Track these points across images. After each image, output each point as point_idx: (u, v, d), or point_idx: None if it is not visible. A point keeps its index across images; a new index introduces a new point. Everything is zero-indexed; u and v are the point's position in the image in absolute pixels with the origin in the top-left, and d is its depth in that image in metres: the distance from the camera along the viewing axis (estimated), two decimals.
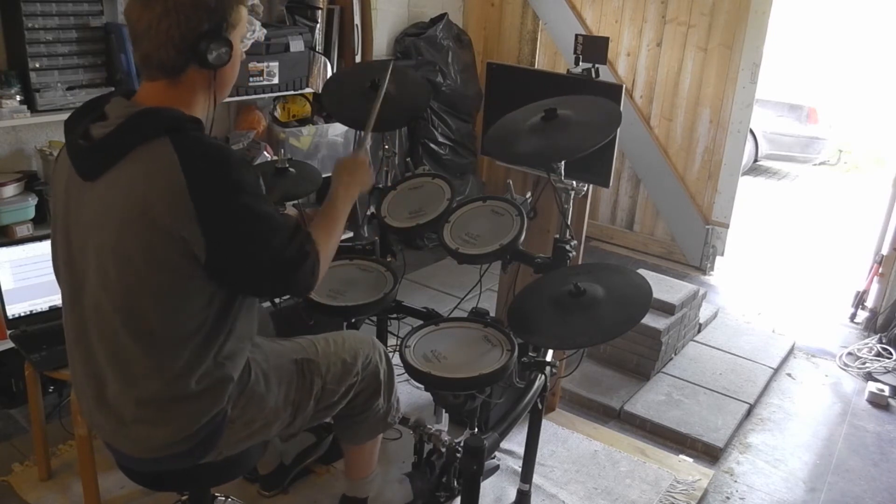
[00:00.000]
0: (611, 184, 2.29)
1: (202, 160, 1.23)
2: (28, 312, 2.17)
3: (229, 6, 1.30)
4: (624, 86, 2.39)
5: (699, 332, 3.48)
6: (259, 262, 1.30)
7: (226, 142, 3.15)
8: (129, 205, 1.21)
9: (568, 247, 1.96)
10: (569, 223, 1.96)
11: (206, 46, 1.27)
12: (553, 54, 4.61)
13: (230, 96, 2.94)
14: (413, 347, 1.73)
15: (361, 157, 1.74)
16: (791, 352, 3.44)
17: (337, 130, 3.48)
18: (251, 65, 3.00)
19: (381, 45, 4.14)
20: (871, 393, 3.08)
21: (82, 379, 1.38)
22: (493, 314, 1.95)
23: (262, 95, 3.19)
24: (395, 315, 2.30)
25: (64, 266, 1.35)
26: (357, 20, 3.48)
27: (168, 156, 1.21)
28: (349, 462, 1.96)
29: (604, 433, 2.67)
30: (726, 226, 4.22)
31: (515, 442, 2.41)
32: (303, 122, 3.45)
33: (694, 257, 4.35)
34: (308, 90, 3.33)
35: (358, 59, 3.53)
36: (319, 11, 3.33)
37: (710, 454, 2.63)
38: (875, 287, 3.73)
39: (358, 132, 2.28)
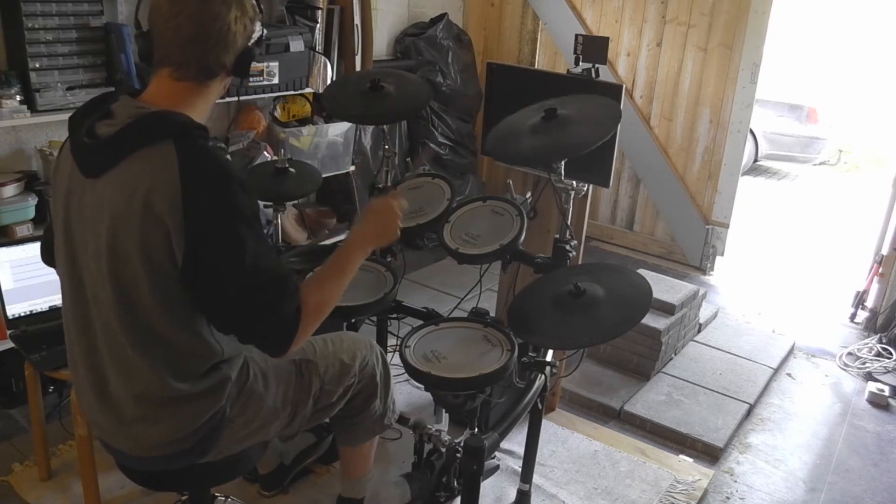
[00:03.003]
0: (611, 184, 2.29)
1: (202, 173, 1.23)
2: (28, 312, 2.17)
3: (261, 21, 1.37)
4: (624, 86, 2.39)
5: (699, 332, 3.48)
6: (227, 291, 1.24)
7: (226, 142, 3.15)
8: (130, 199, 1.21)
9: (568, 247, 1.96)
10: (569, 223, 1.96)
11: (250, 57, 1.34)
12: (553, 54, 4.61)
13: (230, 96, 2.94)
14: (413, 347, 1.73)
15: (393, 201, 1.57)
16: (791, 352, 3.44)
17: (337, 130, 3.48)
18: (251, 65, 3.00)
19: (381, 45, 4.14)
20: (871, 393, 3.08)
21: (84, 377, 1.38)
22: (493, 314, 1.95)
23: (262, 95, 3.18)
24: (395, 315, 2.30)
25: (66, 263, 1.35)
26: (357, 20, 3.48)
27: (169, 159, 1.21)
28: (345, 462, 1.96)
29: (604, 433, 2.67)
30: (726, 226, 4.22)
31: (515, 442, 2.41)
32: (303, 122, 3.44)
33: (694, 257, 4.35)
34: (308, 90, 3.33)
35: (358, 59, 3.53)
36: (319, 11, 3.33)
37: (710, 454, 2.63)
38: (875, 287, 3.73)
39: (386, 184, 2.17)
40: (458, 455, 1.67)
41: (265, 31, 1.39)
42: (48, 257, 1.51)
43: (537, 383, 1.84)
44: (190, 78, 1.30)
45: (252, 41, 1.34)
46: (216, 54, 1.28)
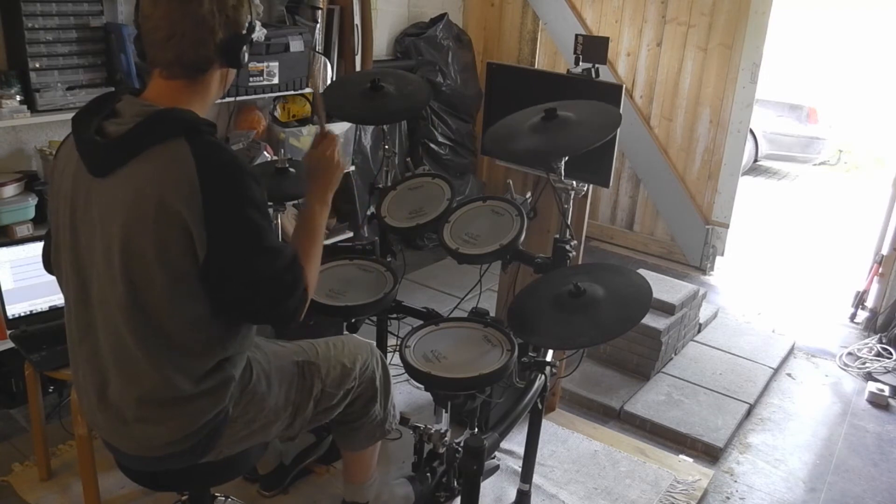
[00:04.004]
0: (611, 184, 2.29)
1: (218, 166, 1.24)
2: (28, 312, 2.17)
3: (253, 8, 1.33)
4: (624, 86, 2.39)
5: (699, 332, 3.48)
6: (257, 278, 1.28)
7: (226, 142, 3.15)
8: (145, 198, 1.21)
9: (568, 247, 1.96)
10: (569, 223, 1.96)
11: (240, 48, 1.31)
12: (553, 54, 4.61)
13: (230, 96, 2.94)
14: (413, 347, 1.73)
15: (324, 146, 1.54)
16: (791, 352, 3.44)
17: (337, 130, 3.47)
18: (251, 65, 3.00)
19: (381, 45, 4.14)
20: (871, 393, 3.08)
21: (85, 377, 1.38)
22: (493, 314, 1.95)
23: (262, 95, 3.18)
24: (395, 315, 2.30)
25: (70, 263, 1.35)
26: (357, 20, 3.48)
27: (185, 156, 1.22)
28: (348, 467, 1.96)
29: (604, 433, 2.67)
30: (726, 226, 4.23)
31: (515, 442, 2.41)
32: (303, 122, 3.45)
33: (694, 257, 4.35)
34: (308, 90, 3.33)
35: (358, 59, 3.53)
36: (319, 11, 3.32)
37: (710, 454, 2.63)
38: (875, 287, 3.73)
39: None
40: (458, 455, 1.67)
41: (258, 21, 1.36)
42: (49, 264, 1.50)
43: (537, 383, 1.84)
44: (178, 76, 1.30)
45: (242, 29, 1.31)
46: (195, 51, 1.27)
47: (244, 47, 1.33)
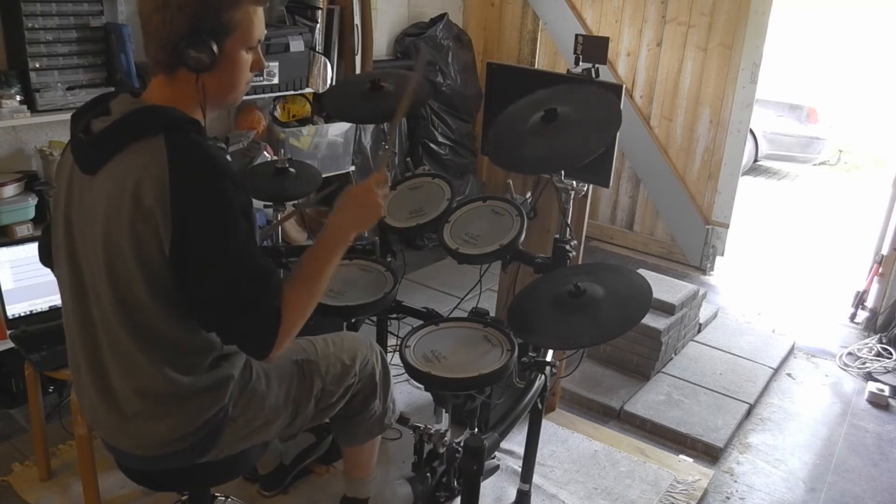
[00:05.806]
0: (611, 184, 2.29)
1: (190, 165, 1.22)
2: (28, 312, 2.17)
3: (220, 9, 1.25)
4: (624, 86, 2.39)
5: (699, 332, 3.48)
6: (208, 286, 1.23)
7: (226, 142, 3.15)
8: (121, 194, 1.21)
9: (568, 247, 1.96)
10: (569, 223, 1.96)
11: (184, 49, 1.24)
12: (553, 54, 4.61)
13: None
14: (413, 347, 1.73)
15: (376, 181, 1.47)
16: (791, 352, 3.44)
17: (337, 130, 3.48)
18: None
19: (381, 45, 4.14)
20: (871, 393, 3.08)
21: (85, 374, 1.38)
22: (493, 314, 1.95)
23: (262, 95, 3.19)
24: (395, 315, 2.30)
25: (66, 261, 1.35)
26: (357, 20, 3.48)
27: (160, 153, 1.21)
28: (348, 463, 1.96)
29: (604, 433, 2.67)
30: (726, 226, 4.22)
31: (515, 442, 2.41)
32: (303, 122, 3.45)
33: (694, 257, 4.35)
34: (308, 90, 3.33)
35: (358, 59, 3.53)
36: (319, 11, 3.33)
37: (710, 454, 2.63)
38: (875, 287, 3.73)
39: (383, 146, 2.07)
40: (458, 455, 1.67)
41: (218, 18, 1.25)
42: (46, 258, 1.52)
43: (537, 383, 1.83)
44: (156, 72, 1.31)
45: (186, 30, 1.23)
46: (149, 46, 1.28)
47: (190, 50, 1.24)
